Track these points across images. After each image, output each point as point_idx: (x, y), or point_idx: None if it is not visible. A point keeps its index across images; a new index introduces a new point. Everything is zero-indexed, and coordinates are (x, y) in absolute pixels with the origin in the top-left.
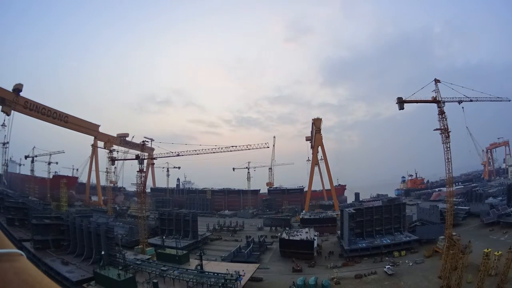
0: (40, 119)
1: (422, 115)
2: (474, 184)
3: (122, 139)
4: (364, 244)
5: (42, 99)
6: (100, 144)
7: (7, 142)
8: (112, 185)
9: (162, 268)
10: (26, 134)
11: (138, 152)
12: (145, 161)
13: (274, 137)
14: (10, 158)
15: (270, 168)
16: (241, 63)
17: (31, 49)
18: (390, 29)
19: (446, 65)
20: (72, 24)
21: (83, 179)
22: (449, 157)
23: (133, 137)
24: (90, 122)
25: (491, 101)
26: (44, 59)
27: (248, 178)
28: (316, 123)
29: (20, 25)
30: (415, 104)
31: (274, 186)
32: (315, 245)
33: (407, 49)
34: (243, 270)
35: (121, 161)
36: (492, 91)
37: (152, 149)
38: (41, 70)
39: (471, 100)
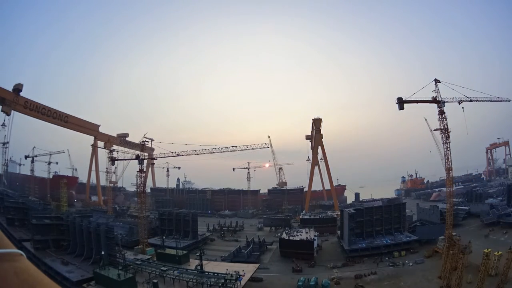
0: (40, 119)
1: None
2: (474, 184)
3: (122, 139)
4: (364, 244)
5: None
6: (100, 144)
7: (7, 142)
8: (112, 185)
9: (162, 268)
10: (26, 134)
11: (138, 152)
12: (145, 161)
13: (269, 136)
14: (10, 158)
15: (281, 168)
16: None
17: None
18: None
19: None
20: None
21: (83, 179)
22: (449, 157)
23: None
24: (90, 122)
25: (491, 101)
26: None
27: (248, 178)
28: (316, 123)
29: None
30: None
31: (274, 187)
32: (315, 245)
33: None
34: (243, 270)
35: (121, 161)
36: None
37: (152, 149)
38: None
39: (471, 100)
